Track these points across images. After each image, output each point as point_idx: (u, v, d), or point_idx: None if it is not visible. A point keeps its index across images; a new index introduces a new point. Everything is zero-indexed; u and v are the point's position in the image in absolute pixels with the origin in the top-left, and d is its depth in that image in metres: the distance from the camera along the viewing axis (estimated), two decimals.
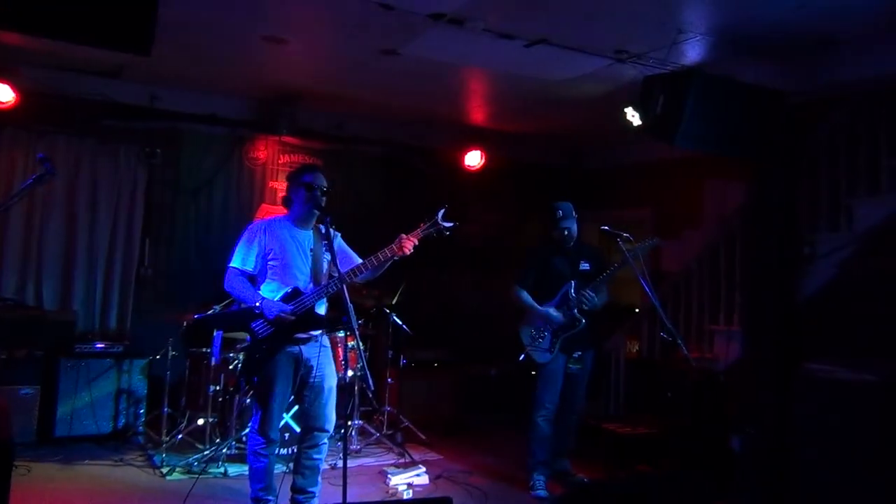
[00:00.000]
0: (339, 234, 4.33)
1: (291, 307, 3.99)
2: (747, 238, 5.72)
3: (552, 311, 5.12)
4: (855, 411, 4.23)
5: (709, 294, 6.30)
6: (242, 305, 4.13)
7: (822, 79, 4.95)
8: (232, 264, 4.15)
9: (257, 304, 3.99)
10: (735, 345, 5.66)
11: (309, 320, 4.03)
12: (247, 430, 5.34)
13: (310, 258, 4.17)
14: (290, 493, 4.25)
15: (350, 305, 3.69)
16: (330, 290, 4.05)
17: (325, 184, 4.18)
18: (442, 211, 4.05)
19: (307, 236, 4.21)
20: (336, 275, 3.85)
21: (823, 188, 5.25)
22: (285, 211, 4.32)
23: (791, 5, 4.20)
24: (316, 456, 4.22)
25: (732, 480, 5.07)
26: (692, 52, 4.95)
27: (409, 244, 4.02)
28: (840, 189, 5.17)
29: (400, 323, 6.41)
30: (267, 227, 4.19)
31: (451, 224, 4.06)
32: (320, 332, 4.17)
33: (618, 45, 5.00)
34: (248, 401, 5.46)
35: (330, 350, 4.32)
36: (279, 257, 4.11)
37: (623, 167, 8.37)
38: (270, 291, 4.08)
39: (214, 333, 5.59)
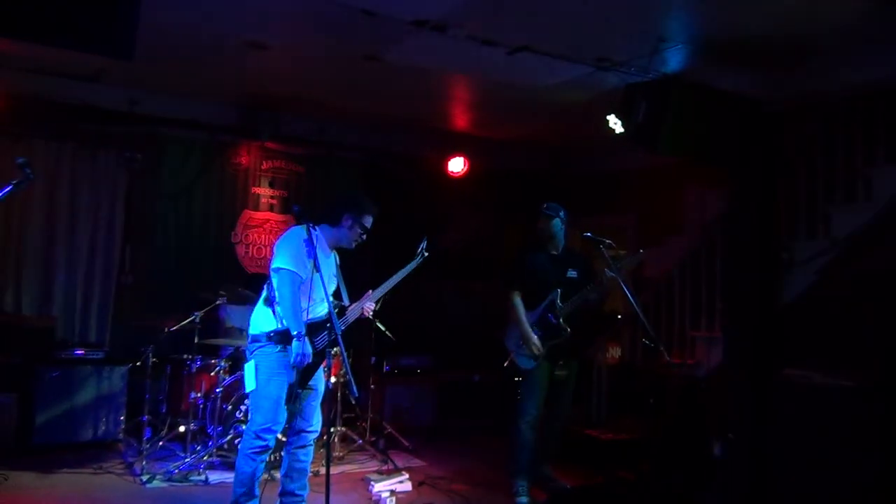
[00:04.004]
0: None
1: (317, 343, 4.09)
2: (727, 245, 5.77)
3: (537, 331, 5.12)
4: (832, 416, 4.28)
5: (690, 300, 6.35)
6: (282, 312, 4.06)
7: (798, 88, 5.02)
8: (288, 267, 3.99)
9: (295, 334, 3.94)
10: (716, 351, 5.70)
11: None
12: (228, 437, 5.32)
13: (331, 281, 4.21)
14: (277, 498, 4.24)
15: (334, 313, 3.71)
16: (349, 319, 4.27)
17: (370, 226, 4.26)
18: (423, 243, 4.36)
19: (331, 261, 4.29)
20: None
21: (801, 196, 5.32)
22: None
23: (767, 17, 4.25)
24: (304, 458, 4.22)
25: (713, 485, 5.10)
26: (673, 60, 5.00)
27: (368, 309, 4.29)
28: (817, 196, 5.24)
29: (383, 329, 6.40)
30: (308, 241, 3.98)
31: (427, 254, 4.42)
32: None
33: (600, 53, 5.04)
34: (229, 407, 5.43)
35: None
36: (311, 273, 4.05)
37: (605, 174, 8.41)
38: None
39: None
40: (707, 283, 6.16)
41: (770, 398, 4.74)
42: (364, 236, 4.22)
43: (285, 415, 4.08)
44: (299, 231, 4.06)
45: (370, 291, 4.25)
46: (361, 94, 6.55)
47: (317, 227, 4.17)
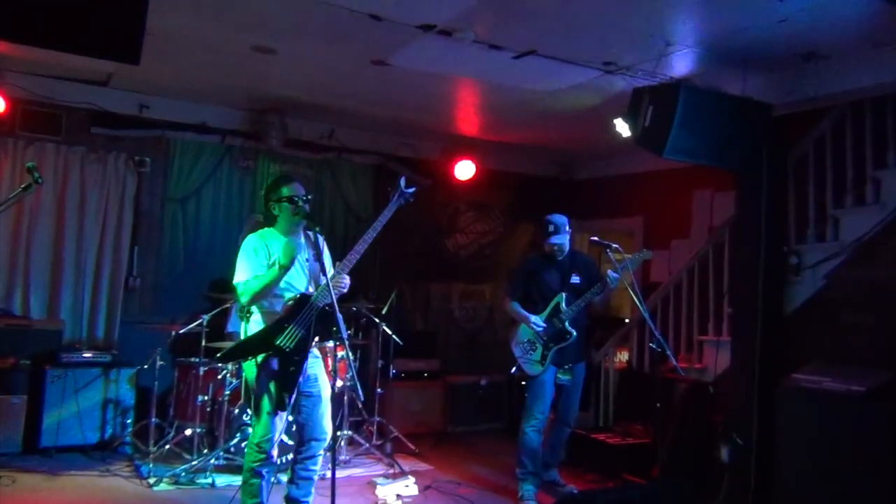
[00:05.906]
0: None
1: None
2: (735, 249, 5.75)
3: (541, 321, 5.12)
4: (841, 421, 4.26)
5: (698, 304, 6.32)
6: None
7: (806, 91, 4.98)
8: (238, 281, 4.05)
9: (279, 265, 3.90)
10: (724, 355, 5.67)
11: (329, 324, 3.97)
12: (234, 440, 5.33)
13: (304, 268, 4.16)
14: (282, 502, 4.24)
15: (339, 315, 3.70)
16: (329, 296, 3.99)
17: (304, 192, 4.17)
18: (403, 178, 4.18)
19: (299, 247, 4.14)
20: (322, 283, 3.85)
21: (810, 199, 5.29)
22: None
23: (774, 19, 4.24)
24: (312, 467, 4.20)
25: (721, 490, 5.08)
26: (680, 64, 4.98)
27: (340, 284, 4.03)
28: (826, 200, 5.21)
29: (390, 333, 6.40)
30: (265, 237, 4.15)
31: (412, 189, 4.19)
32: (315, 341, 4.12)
33: (607, 56, 5.03)
34: (236, 410, 5.44)
35: (321, 360, 4.31)
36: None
37: (612, 177, 8.41)
38: (269, 304, 4.06)
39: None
40: (715, 287, 6.13)
41: (778, 403, 4.72)
42: (301, 202, 4.11)
43: (283, 423, 4.08)
44: (248, 239, 4.17)
45: (338, 263, 4.10)
46: (370, 98, 6.56)
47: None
